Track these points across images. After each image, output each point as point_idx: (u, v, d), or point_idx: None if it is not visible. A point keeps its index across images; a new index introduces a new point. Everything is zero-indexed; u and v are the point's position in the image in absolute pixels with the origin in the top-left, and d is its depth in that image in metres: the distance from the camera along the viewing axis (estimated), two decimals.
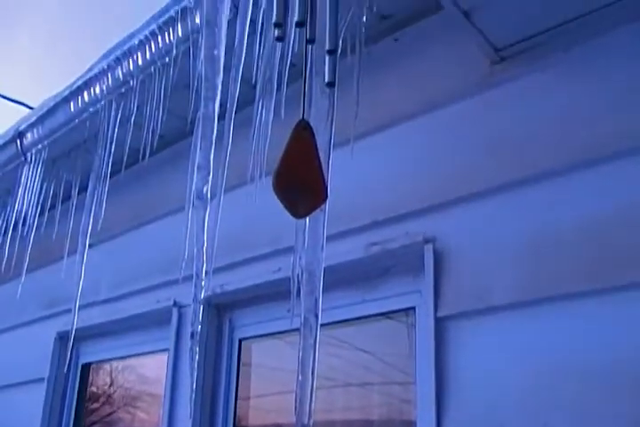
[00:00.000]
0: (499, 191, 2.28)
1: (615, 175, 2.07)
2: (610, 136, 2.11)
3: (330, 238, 1.96)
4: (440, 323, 2.28)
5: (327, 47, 1.33)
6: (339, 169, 1.99)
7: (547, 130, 2.26)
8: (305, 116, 1.50)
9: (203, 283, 1.79)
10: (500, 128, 2.36)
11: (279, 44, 1.97)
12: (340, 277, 2.56)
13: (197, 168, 1.59)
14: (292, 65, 2.11)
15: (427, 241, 2.37)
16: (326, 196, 1.29)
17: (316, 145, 1.29)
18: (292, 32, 1.51)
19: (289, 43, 1.70)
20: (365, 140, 2.52)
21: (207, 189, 1.60)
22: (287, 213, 1.39)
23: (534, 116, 2.31)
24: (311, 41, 1.41)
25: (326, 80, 1.37)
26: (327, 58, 1.35)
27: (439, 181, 2.45)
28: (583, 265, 2.04)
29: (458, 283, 2.29)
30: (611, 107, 2.16)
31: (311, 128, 1.30)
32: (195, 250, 1.80)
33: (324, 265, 1.92)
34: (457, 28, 2.33)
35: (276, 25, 1.33)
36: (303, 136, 1.28)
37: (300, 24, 1.29)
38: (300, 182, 1.26)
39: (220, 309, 3.26)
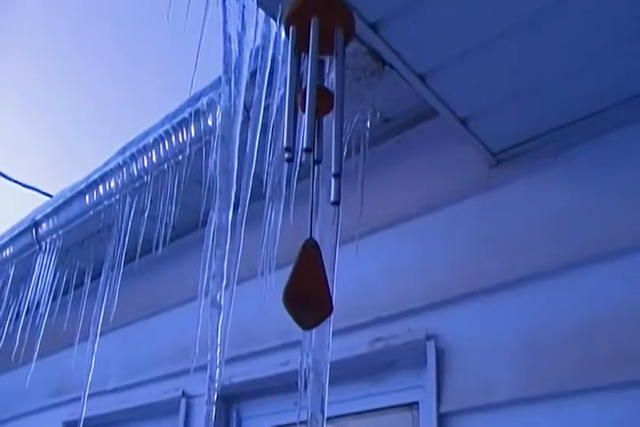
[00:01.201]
0: (497, 290, 2.37)
1: (609, 275, 2.16)
2: (603, 237, 2.20)
3: (336, 333, 2.06)
4: (443, 419, 2.34)
5: (332, 171, 1.45)
6: (344, 266, 2.10)
7: (543, 231, 2.36)
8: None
9: (216, 376, 1.88)
10: (498, 229, 2.47)
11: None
12: (346, 372, 2.62)
13: (212, 276, 1.68)
14: (300, 165, 2.23)
15: (429, 338, 2.46)
16: (332, 309, 1.38)
17: (322, 262, 1.39)
18: (301, 154, 1.63)
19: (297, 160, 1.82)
20: (369, 239, 2.63)
21: (221, 295, 1.69)
22: None
23: (531, 217, 2.41)
24: (318, 161, 1.53)
25: (332, 199, 1.47)
26: (332, 180, 1.46)
27: (440, 280, 2.54)
28: (578, 364, 2.11)
29: (459, 379, 2.36)
30: (603, 208, 2.26)
31: (318, 246, 1.40)
32: (207, 341, 1.90)
33: (331, 360, 2.02)
34: (455, 132, 2.46)
35: (286, 149, 1.45)
36: (311, 254, 1.38)
37: (307, 150, 1.41)
38: (308, 297, 1.36)
39: (228, 400, 3.30)
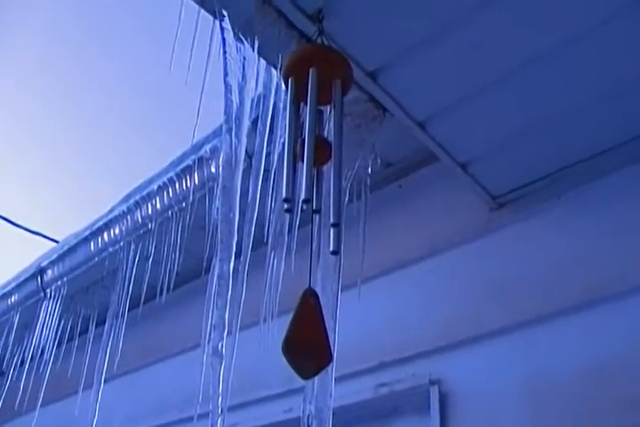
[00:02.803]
0: (501, 334, 2.37)
1: (613, 318, 2.16)
2: (605, 279, 2.21)
3: (340, 379, 2.07)
4: None
5: (331, 221, 1.47)
6: (347, 312, 2.11)
7: (545, 273, 2.37)
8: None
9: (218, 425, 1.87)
10: (501, 272, 2.48)
11: None
12: (351, 417, 2.61)
13: (214, 326, 1.69)
14: (302, 211, 2.24)
15: (432, 383, 2.44)
16: (331, 359, 1.39)
17: (321, 311, 1.40)
18: (300, 204, 1.65)
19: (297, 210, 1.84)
20: (371, 284, 2.63)
21: (222, 345, 1.70)
22: None
23: (533, 259, 2.42)
24: (317, 211, 1.55)
25: (331, 249, 1.49)
26: (331, 230, 1.48)
27: (443, 324, 2.54)
28: (582, 408, 2.10)
29: (464, 424, 2.35)
30: (605, 249, 2.27)
31: (317, 295, 1.41)
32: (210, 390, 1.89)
33: (334, 406, 2.02)
34: (455, 176, 2.48)
35: (285, 200, 1.48)
36: (310, 303, 1.39)
37: (306, 201, 1.43)
38: (307, 347, 1.37)
39: None
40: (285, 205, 1.50)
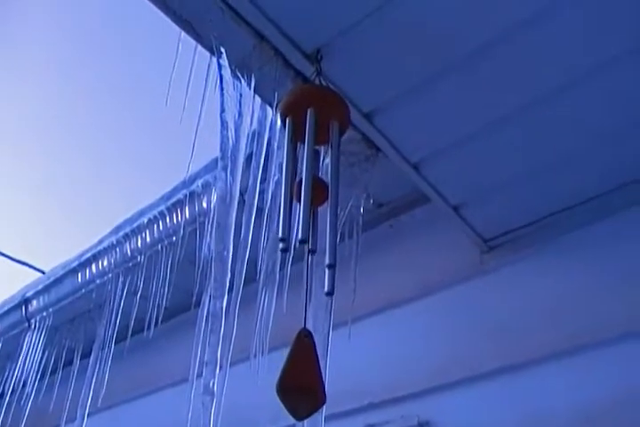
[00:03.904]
0: (489, 376, 2.36)
1: (605, 362, 2.16)
2: (598, 323, 2.21)
3: (329, 418, 2.05)
4: None
5: (327, 262, 1.47)
6: (337, 351, 2.10)
7: (537, 317, 2.37)
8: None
9: None
10: (492, 315, 2.47)
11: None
12: None
13: (205, 364, 1.68)
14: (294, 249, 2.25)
15: (421, 425, 2.43)
16: (325, 400, 1.38)
17: (316, 352, 1.40)
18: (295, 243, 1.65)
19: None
20: (362, 324, 2.63)
21: (214, 383, 1.69)
22: None
23: (524, 303, 2.42)
24: (313, 251, 1.55)
25: (325, 290, 1.49)
26: (326, 271, 1.48)
27: (434, 365, 2.53)
28: None
29: None
30: (597, 294, 2.28)
31: (312, 336, 1.41)
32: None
33: None
34: (447, 218, 2.49)
35: (281, 240, 1.48)
36: (305, 344, 1.39)
37: (302, 241, 1.44)
38: (302, 388, 1.36)
39: None
40: (281, 245, 1.50)
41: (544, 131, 2.11)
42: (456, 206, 2.41)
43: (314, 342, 1.40)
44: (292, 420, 2.00)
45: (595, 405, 2.11)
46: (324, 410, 2.01)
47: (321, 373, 1.38)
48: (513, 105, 2.02)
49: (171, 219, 3.28)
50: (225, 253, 1.86)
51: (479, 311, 2.51)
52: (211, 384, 1.71)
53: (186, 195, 3.18)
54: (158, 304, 3.33)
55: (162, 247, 3.32)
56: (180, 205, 3.21)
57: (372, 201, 2.72)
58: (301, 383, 1.36)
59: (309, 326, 1.46)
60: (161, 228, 3.34)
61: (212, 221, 2.02)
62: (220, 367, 1.93)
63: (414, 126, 2.13)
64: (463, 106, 2.03)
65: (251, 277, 2.27)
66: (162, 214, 3.32)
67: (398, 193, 2.85)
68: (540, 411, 2.21)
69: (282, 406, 1.38)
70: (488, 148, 2.15)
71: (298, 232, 1.48)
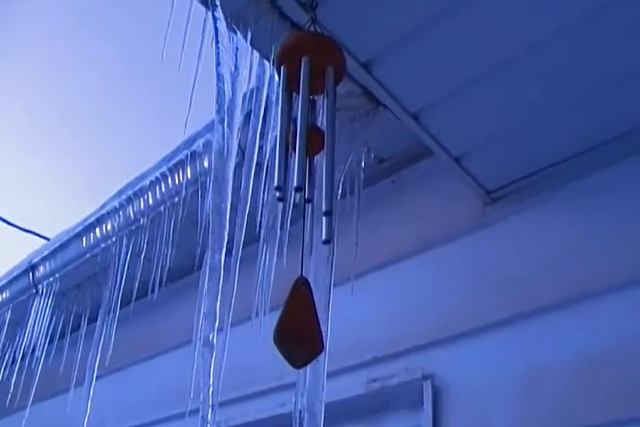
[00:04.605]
0: (494, 328, 2.35)
1: (611, 310, 2.14)
2: (602, 271, 2.19)
3: (331, 375, 2.05)
4: None
5: (323, 209, 1.45)
6: (339, 307, 2.09)
7: (540, 267, 2.35)
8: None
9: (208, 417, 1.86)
10: (495, 266, 2.46)
11: None
12: (342, 413, 2.59)
13: (205, 316, 1.67)
14: (294, 206, 2.23)
15: (425, 378, 2.42)
16: (322, 348, 1.37)
17: (313, 300, 1.38)
18: (292, 193, 1.62)
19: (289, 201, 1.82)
20: (365, 278, 2.62)
21: (214, 335, 1.68)
22: None
23: (528, 253, 2.41)
24: (309, 200, 1.53)
25: (323, 238, 1.47)
26: (324, 218, 1.46)
27: (437, 318, 2.52)
28: (579, 401, 2.09)
29: (456, 419, 2.33)
30: (600, 242, 2.26)
31: (309, 284, 1.39)
32: (201, 384, 1.88)
33: (326, 401, 2.01)
34: (450, 170, 2.47)
35: (277, 188, 1.46)
36: (301, 292, 1.37)
37: (298, 189, 1.41)
38: (298, 335, 1.35)
39: None
40: (277, 194, 1.48)
41: (544, 78, 2.07)
42: (458, 157, 2.38)
43: (311, 290, 1.39)
44: (294, 377, 2.02)
45: (602, 355, 2.10)
46: (327, 365, 2.02)
47: (318, 320, 1.36)
48: (512, 50, 1.98)
49: (172, 180, 3.27)
50: (223, 205, 1.84)
51: (483, 263, 2.50)
52: (210, 337, 1.70)
53: (187, 155, 3.15)
54: (162, 266, 3.34)
55: (164, 209, 3.31)
56: (181, 165, 3.20)
57: (372, 156, 2.69)
58: (298, 331, 1.35)
59: (311, 282, 1.45)
60: (163, 189, 3.33)
61: (211, 176, 2.00)
62: (221, 325, 1.93)
63: (413, 75, 2.10)
64: (462, 51, 1.99)
65: (252, 236, 2.26)
66: (164, 176, 3.31)
67: (400, 147, 2.82)
68: (543, 361, 2.21)
69: (281, 357, 1.37)
70: (488, 95, 2.12)
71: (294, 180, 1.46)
